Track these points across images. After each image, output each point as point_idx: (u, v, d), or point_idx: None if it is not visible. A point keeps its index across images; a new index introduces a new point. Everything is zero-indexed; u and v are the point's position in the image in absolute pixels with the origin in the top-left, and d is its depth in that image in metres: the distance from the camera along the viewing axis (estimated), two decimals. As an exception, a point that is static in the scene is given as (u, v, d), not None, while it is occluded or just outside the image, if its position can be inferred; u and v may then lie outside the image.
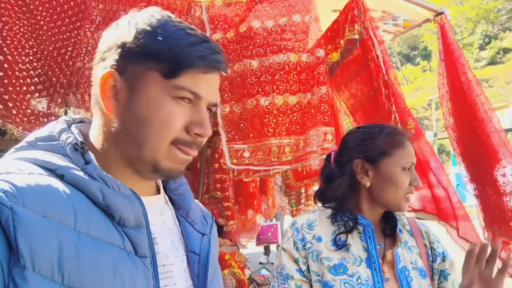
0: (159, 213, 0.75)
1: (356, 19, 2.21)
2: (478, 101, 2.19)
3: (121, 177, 0.69)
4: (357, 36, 2.19)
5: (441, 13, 2.51)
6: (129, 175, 0.71)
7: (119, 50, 0.66)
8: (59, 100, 2.14)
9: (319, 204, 1.40)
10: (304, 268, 1.22)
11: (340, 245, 1.21)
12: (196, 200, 0.91)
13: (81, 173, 0.61)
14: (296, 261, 1.23)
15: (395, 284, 1.18)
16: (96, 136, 0.71)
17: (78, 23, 2.20)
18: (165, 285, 0.68)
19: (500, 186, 2.15)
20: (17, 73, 2.00)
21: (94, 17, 2.17)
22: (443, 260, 1.30)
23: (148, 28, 0.66)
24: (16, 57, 2.03)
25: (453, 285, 1.27)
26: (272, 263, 6.66)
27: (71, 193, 0.58)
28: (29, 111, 2.03)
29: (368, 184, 1.26)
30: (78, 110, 2.26)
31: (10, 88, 1.95)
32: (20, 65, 2.04)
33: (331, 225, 1.27)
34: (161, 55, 0.65)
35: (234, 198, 3.71)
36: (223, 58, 0.70)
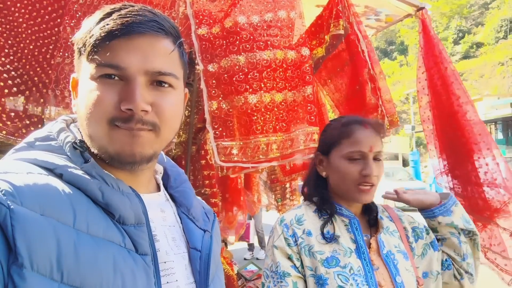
0: (159, 210, 0.75)
1: (340, 14, 2.23)
2: (458, 92, 2.26)
3: (120, 174, 0.68)
4: (342, 31, 2.21)
5: (422, 8, 2.56)
6: (128, 173, 0.70)
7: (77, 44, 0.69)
8: (41, 100, 2.08)
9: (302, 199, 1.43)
10: (298, 264, 1.22)
11: (329, 238, 1.23)
12: (198, 197, 0.91)
13: (80, 172, 0.61)
14: (289, 258, 1.22)
15: (384, 270, 1.21)
16: None
17: (58, 20, 2.14)
18: (167, 282, 0.68)
19: (479, 177, 2.22)
20: None
21: (74, 12, 2.11)
22: (428, 233, 1.40)
23: (86, 23, 0.68)
24: None
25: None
26: (257, 259, 6.70)
27: (70, 192, 0.58)
28: (13, 114, 1.97)
29: (324, 175, 1.31)
30: (57, 108, 2.19)
31: None
32: (0, 67, 1.97)
33: (318, 219, 1.29)
34: (82, 41, 0.66)
35: (221, 195, 3.70)
36: (143, 18, 0.65)
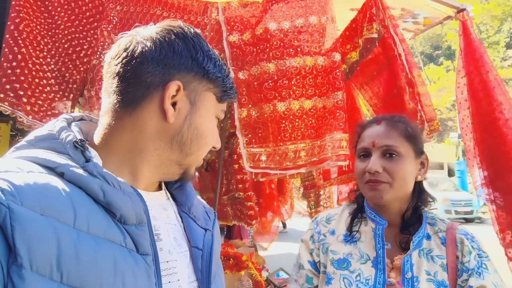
0: (162, 208, 0.76)
1: (374, 17, 2.17)
2: (500, 98, 2.12)
3: (132, 175, 0.70)
4: (375, 35, 2.16)
5: (462, 10, 2.44)
6: (142, 175, 0.72)
7: (183, 64, 0.72)
8: (71, 95, 2.20)
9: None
10: (317, 259, 1.26)
11: (349, 238, 1.22)
12: (198, 197, 0.91)
13: (81, 171, 0.61)
14: (311, 253, 1.28)
15: None
16: (113, 134, 0.70)
17: (95, 24, 2.27)
18: (169, 282, 0.67)
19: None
20: (30, 65, 2.07)
21: (111, 17, 2.23)
22: (469, 277, 1.09)
23: (205, 51, 0.75)
24: (31, 51, 2.10)
25: None
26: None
27: (71, 191, 0.58)
28: (40, 102, 2.08)
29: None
30: (88, 111, 2.29)
31: (22, 78, 2.01)
32: (34, 59, 2.10)
33: (350, 219, 1.26)
34: (220, 82, 0.77)
35: (255, 199, 3.70)
36: None
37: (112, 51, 0.73)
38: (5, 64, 1.97)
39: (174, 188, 0.83)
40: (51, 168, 0.61)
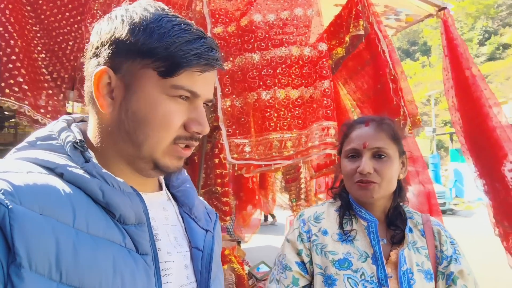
0: (161, 209, 0.75)
1: (360, 14, 2.18)
2: (483, 95, 2.18)
3: (122, 174, 0.68)
4: (362, 32, 2.17)
5: (444, 8, 2.49)
6: (130, 172, 0.70)
7: (113, 46, 0.65)
8: (61, 95, 2.12)
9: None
10: (306, 259, 1.23)
11: (346, 236, 1.22)
12: (201, 198, 0.90)
13: (80, 171, 0.61)
14: (298, 253, 1.25)
15: (395, 285, 1.16)
16: (93, 135, 0.70)
17: (79, 17, 2.18)
18: (167, 282, 0.67)
19: (508, 182, 2.15)
20: (26, 60, 2.01)
21: (94, 11, 2.14)
22: (449, 263, 1.21)
23: (143, 24, 0.64)
24: (24, 44, 2.04)
25: None
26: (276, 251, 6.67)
27: (71, 191, 0.58)
28: (44, 97, 2.05)
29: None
30: (77, 104, 2.23)
31: (23, 71, 1.95)
32: (30, 54, 2.05)
33: (338, 217, 1.27)
34: (158, 53, 0.63)
35: (234, 194, 3.70)
36: (219, 54, 0.69)
37: None
38: (4, 58, 1.89)
39: (176, 188, 0.82)
40: (50, 169, 0.61)
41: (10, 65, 1.90)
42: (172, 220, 0.76)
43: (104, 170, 0.63)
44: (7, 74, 1.89)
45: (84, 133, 0.72)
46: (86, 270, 0.54)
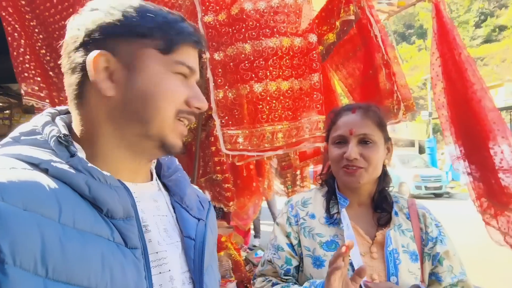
0: (152, 200, 0.75)
1: (350, -1, 2.17)
2: (473, 79, 2.20)
3: (116, 162, 0.69)
4: (352, 17, 2.17)
5: (436, -9, 2.47)
6: (125, 159, 0.70)
7: (106, 31, 0.66)
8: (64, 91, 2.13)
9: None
10: (295, 242, 1.29)
11: (332, 218, 1.27)
12: (194, 186, 0.90)
13: (65, 166, 0.60)
14: (287, 236, 1.30)
15: (382, 266, 1.20)
16: (81, 126, 0.69)
17: (71, 9, 2.15)
18: (159, 272, 0.67)
19: (495, 163, 2.19)
20: (34, 56, 2.00)
21: (84, 3, 2.12)
22: (435, 245, 1.26)
23: (132, 8, 0.67)
24: (28, 41, 2.03)
25: (449, 271, 1.24)
26: (254, 246, 6.70)
27: (56, 187, 0.57)
28: (54, 93, 2.04)
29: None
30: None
31: (38, 70, 1.96)
32: (35, 50, 2.05)
33: (325, 202, 1.33)
34: (155, 32, 0.67)
35: (232, 180, 3.72)
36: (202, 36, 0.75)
37: None
38: (20, 58, 1.88)
39: (167, 178, 0.82)
40: (35, 164, 0.60)
41: (27, 65, 1.90)
42: (162, 211, 0.76)
43: (90, 164, 0.63)
44: (25, 74, 1.88)
45: (69, 125, 0.71)
46: (74, 265, 0.54)
